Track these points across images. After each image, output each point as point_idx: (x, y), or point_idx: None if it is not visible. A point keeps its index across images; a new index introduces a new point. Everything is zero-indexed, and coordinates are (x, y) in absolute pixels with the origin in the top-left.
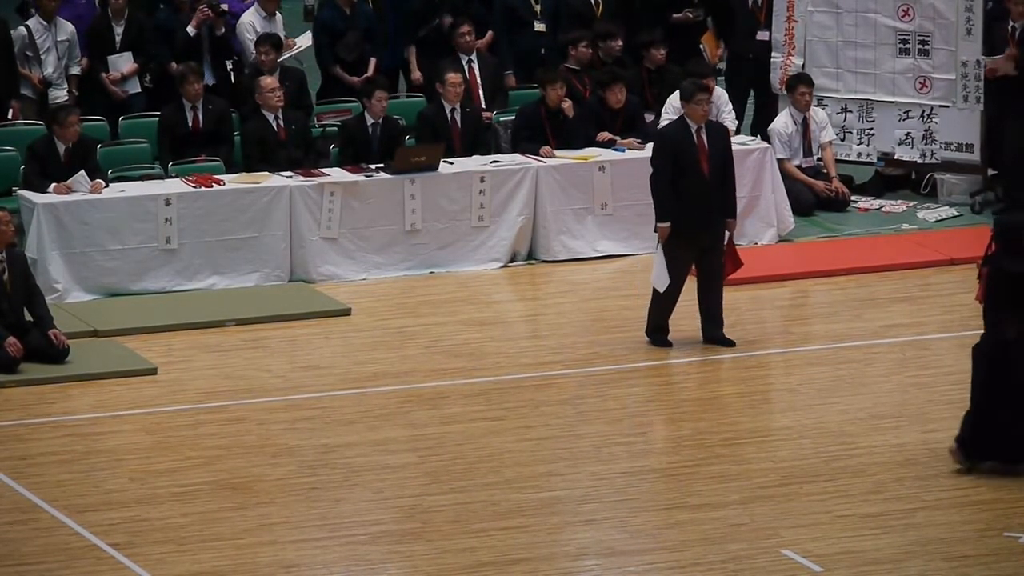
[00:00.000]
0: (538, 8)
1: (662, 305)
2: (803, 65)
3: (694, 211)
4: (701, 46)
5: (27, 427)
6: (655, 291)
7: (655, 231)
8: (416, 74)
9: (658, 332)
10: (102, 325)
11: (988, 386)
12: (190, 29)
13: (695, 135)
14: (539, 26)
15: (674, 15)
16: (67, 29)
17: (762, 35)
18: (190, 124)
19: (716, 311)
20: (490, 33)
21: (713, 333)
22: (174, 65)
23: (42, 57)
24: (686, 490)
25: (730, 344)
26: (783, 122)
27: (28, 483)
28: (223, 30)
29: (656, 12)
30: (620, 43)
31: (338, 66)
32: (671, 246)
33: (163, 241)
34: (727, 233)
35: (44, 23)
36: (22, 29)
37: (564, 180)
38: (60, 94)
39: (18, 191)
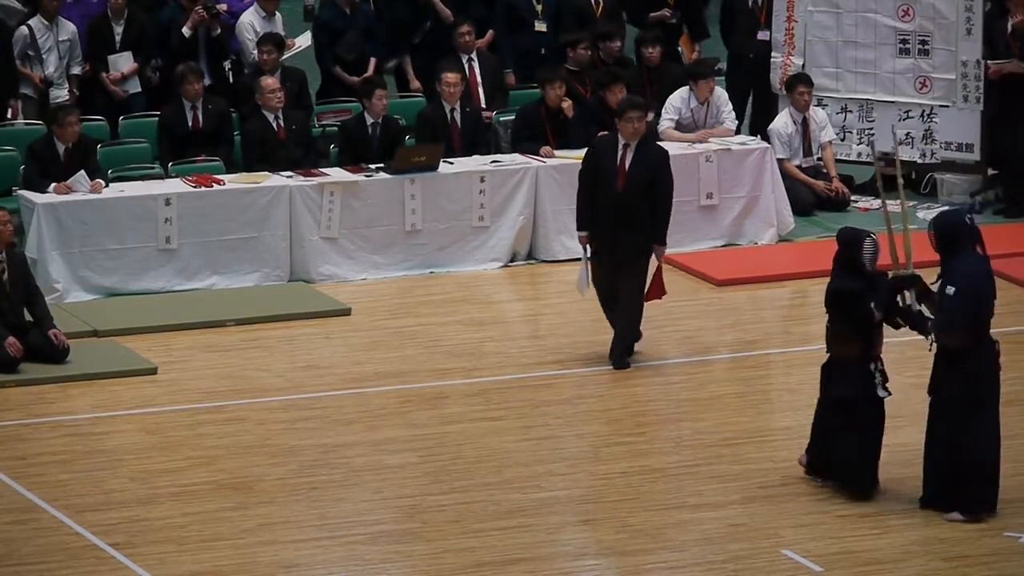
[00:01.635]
0: (539, 8)
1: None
2: (803, 65)
3: (601, 225)
4: (679, 48)
5: (27, 427)
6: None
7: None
8: (415, 84)
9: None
10: (102, 325)
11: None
12: (185, 30)
13: (620, 151)
14: (540, 26)
15: (651, 14)
16: (68, 29)
17: (763, 35)
18: (190, 124)
19: (622, 334)
20: (490, 32)
21: (611, 354)
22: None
23: (43, 57)
24: (686, 490)
25: (624, 367)
26: (783, 122)
27: (28, 483)
28: (219, 31)
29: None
30: (619, 44)
31: (338, 66)
32: (595, 255)
33: (163, 241)
34: (656, 258)
35: (46, 23)
36: (24, 28)
37: (564, 180)
38: (61, 94)
39: (18, 191)
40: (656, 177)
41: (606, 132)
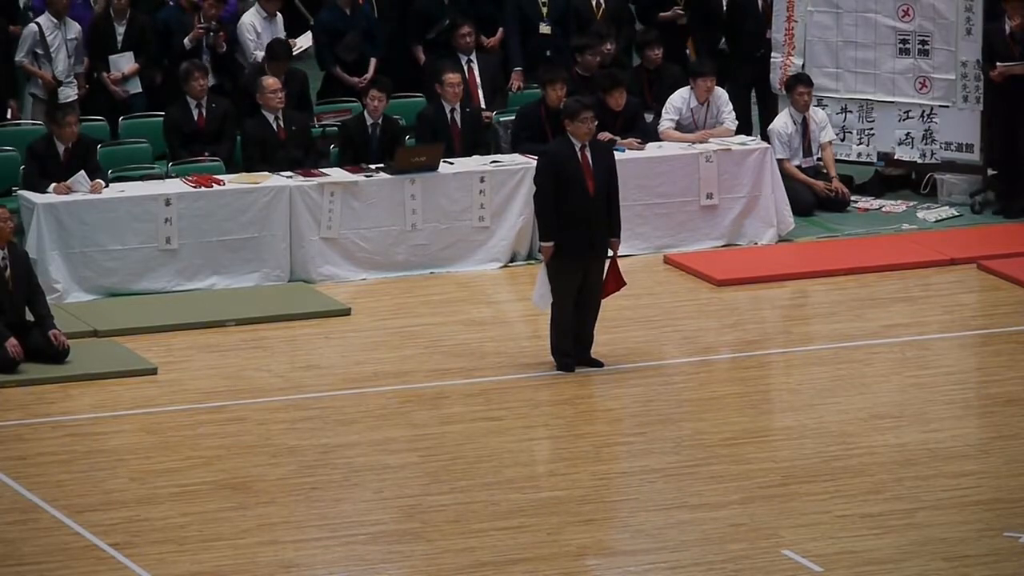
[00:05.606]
0: (545, 10)
1: (559, 327)
2: (803, 65)
3: (579, 231)
4: (687, 50)
5: (27, 427)
6: (551, 313)
7: (539, 251)
8: (421, 59)
9: (560, 355)
10: (102, 325)
11: None
12: (187, 42)
13: (579, 153)
14: (544, 28)
15: (661, 13)
16: (75, 28)
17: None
18: (196, 120)
19: (588, 331)
20: (500, 31)
21: (581, 354)
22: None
23: (52, 55)
24: (686, 490)
25: (598, 365)
26: (783, 122)
27: (28, 483)
28: (224, 48)
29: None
30: (597, 59)
31: (338, 66)
32: (556, 266)
33: (163, 241)
34: (610, 252)
35: (55, 20)
36: (33, 26)
37: None
38: (71, 93)
39: (18, 191)
40: (612, 173)
41: (606, 133)
